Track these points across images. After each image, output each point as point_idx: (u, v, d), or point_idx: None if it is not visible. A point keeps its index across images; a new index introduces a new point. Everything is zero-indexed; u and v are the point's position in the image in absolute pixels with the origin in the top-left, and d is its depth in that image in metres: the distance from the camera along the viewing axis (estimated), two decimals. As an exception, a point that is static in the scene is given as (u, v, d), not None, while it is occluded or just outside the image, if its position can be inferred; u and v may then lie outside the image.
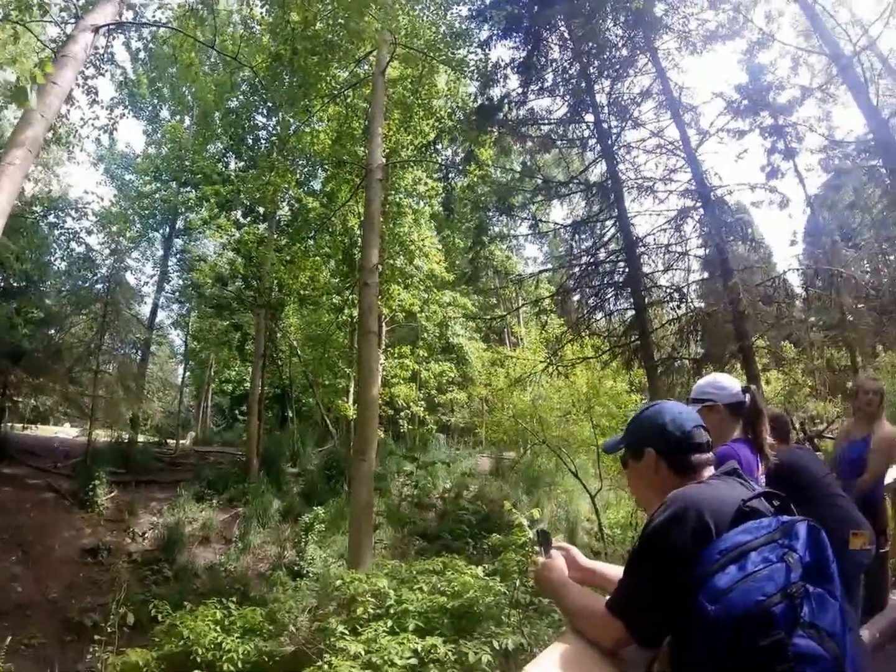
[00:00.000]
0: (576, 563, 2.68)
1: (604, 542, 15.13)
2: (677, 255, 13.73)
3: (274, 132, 22.13)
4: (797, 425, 16.70)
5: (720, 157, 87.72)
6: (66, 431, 28.56)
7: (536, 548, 2.72)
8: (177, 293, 27.20)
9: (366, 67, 16.85)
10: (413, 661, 6.57)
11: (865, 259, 25.41)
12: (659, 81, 14.05)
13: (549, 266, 24.55)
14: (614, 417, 18.85)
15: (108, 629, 8.42)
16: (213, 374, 38.71)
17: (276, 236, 22.55)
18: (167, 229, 25.28)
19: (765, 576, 1.73)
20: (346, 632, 7.29)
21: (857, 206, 27.99)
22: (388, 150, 17.10)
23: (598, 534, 15.89)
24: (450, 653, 6.48)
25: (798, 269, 13.74)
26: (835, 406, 20.01)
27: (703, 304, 14.01)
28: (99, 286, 20.98)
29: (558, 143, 15.60)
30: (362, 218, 15.13)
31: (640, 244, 13.84)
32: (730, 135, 14.50)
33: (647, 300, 13.88)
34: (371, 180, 12.06)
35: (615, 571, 2.54)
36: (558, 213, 48.25)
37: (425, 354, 23.90)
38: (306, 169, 22.70)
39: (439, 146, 17.36)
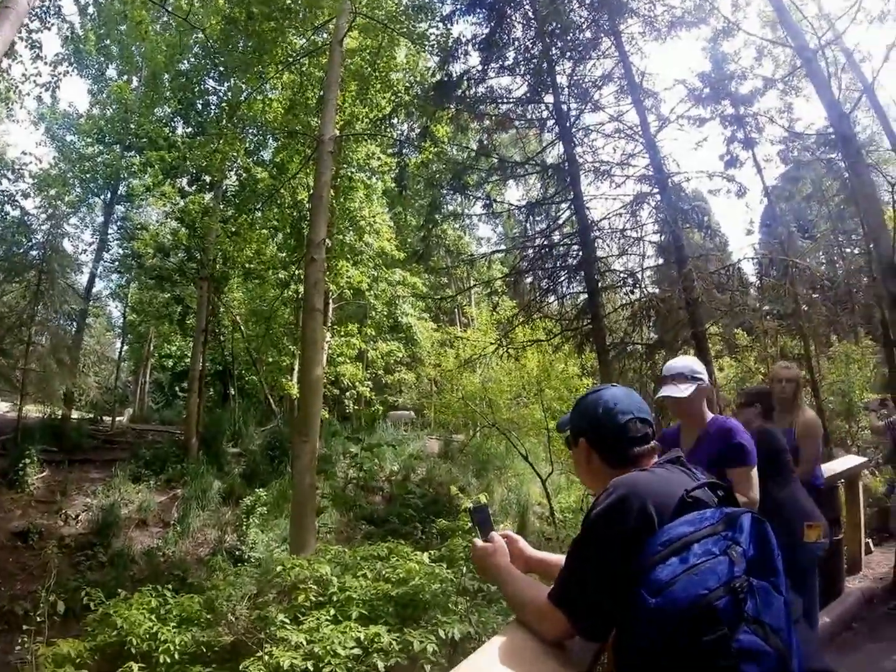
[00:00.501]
0: (522, 554, 2.61)
1: (555, 526, 15.05)
2: (632, 240, 13.69)
3: (224, 98, 21.48)
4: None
5: (679, 145, 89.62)
6: (-4, 407, 27.64)
7: (474, 528, 2.64)
8: (116, 263, 26.27)
9: (324, 35, 16.43)
10: (356, 650, 6.38)
11: (821, 250, 25.71)
12: (621, 65, 13.91)
13: (503, 247, 24.30)
14: (565, 401, 18.84)
15: (38, 619, 7.99)
16: (152, 348, 37.55)
17: (222, 207, 22.03)
18: (108, 195, 24.31)
19: (707, 569, 1.70)
20: (287, 621, 7.07)
21: (814, 197, 28.51)
22: (342, 123, 16.83)
23: (550, 518, 15.78)
24: (394, 642, 6.28)
25: (753, 258, 13.70)
26: None
27: (657, 290, 13.90)
28: (34, 253, 20.09)
29: (516, 123, 15.38)
30: (312, 192, 14.64)
31: (596, 228, 13.71)
32: (690, 122, 14.44)
33: (600, 284, 13.81)
34: (322, 152, 11.63)
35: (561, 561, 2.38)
36: (513, 194, 48.56)
37: (373, 333, 23.69)
38: (256, 138, 22.15)
39: (395, 121, 17.14)
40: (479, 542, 2.51)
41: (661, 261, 14.34)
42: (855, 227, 29.80)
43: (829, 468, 7.26)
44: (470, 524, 7.52)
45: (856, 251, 30.02)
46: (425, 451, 22.37)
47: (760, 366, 19.67)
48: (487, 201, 15.68)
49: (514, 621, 2.28)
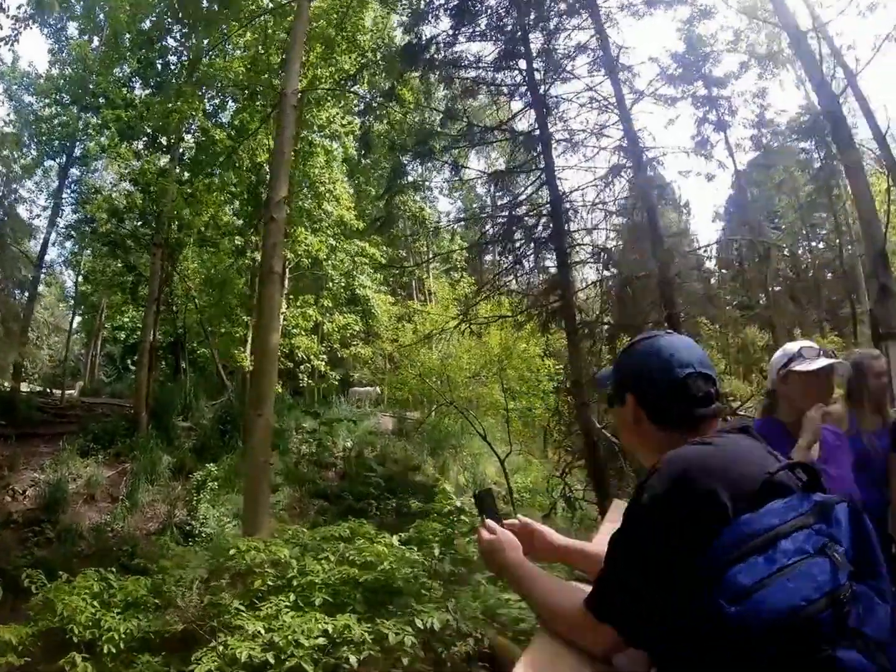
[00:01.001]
0: (548, 544, 2.20)
1: (513, 506, 14.89)
2: (605, 214, 13.40)
3: (185, 58, 20.77)
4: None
5: (652, 121, 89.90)
6: (-57, 381, 26.94)
7: (481, 515, 2.17)
8: (70, 228, 25.55)
9: (291, -7, 15.82)
10: (321, 640, 5.94)
11: (788, 241, 25.68)
12: (596, 38, 13.44)
13: (462, 222, 23.99)
14: (526, 381, 18.77)
15: (-25, 604, 7.56)
16: (104, 320, 36.83)
17: (178, 170, 21.39)
18: (64, 158, 23.67)
19: (803, 572, 1.33)
20: (243, 608, 6.65)
21: (785, 185, 28.49)
22: (305, 82, 16.27)
23: (508, 497, 15.54)
24: (366, 633, 5.84)
25: (735, 240, 13.44)
26: (748, 384, 20.21)
27: (628, 268, 13.55)
28: (-14, 216, 19.41)
29: (486, 88, 14.92)
30: (273, 148, 14.31)
31: (567, 200, 13.31)
32: (662, 101, 14.07)
33: (571, 259, 13.37)
34: (285, 105, 11.06)
35: (597, 549, 2.02)
36: (477, 167, 48.29)
37: (330, 305, 23.20)
38: (216, 101, 21.65)
39: (360, 82, 16.70)
40: (485, 532, 2.06)
41: (634, 237, 14.02)
42: (822, 220, 30.06)
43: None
44: (452, 508, 7.16)
45: (821, 245, 30.21)
46: (379, 427, 22.27)
47: (723, 356, 19.47)
48: (454, 167, 15.27)
49: (543, 631, 1.82)
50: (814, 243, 29.50)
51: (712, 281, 13.39)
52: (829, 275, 26.52)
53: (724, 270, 12.46)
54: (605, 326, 13.24)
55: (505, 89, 14.58)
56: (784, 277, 13.58)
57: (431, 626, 5.96)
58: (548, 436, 13.67)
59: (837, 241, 24.93)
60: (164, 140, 21.75)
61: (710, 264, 12.97)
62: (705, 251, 12.66)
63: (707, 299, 12.69)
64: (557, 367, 19.09)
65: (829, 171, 24.64)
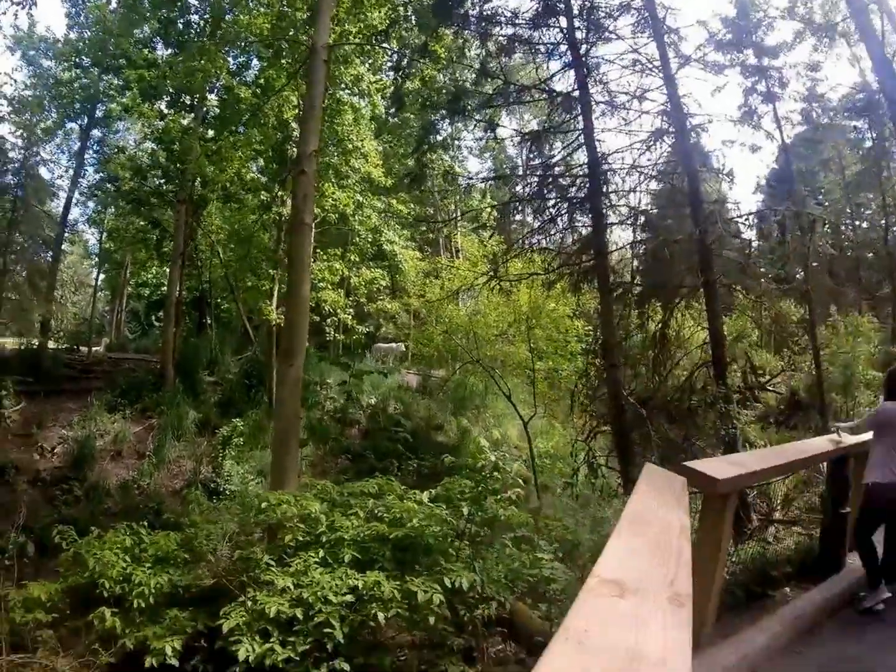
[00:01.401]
0: None
1: (534, 471, 14.64)
2: (643, 177, 13.08)
3: (207, 15, 20.54)
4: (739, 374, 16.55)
5: (697, 88, 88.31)
6: (-28, 341, 26.98)
7: None
8: (93, 188, 25.22)
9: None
10: (349, 597, 5.94)
11: (831, 218, 25.44)
12: (643, -2, 13.06)
13: (496, 180, 23.79)
14: (554, 342, 18.56)
15: (6, 561, 7.54)
16: (128, 276, 36.83)
17: (202, 128, 21.21)
18: (85, 120, 23.41)
19: None
20: (273, 562, 6.61)
21: (832, 163, 28.10)
22: (333, 38, 15.99)
23: (529, 461, 15.36)
24: (395, 591, 5.80)
25: (779, 210, 13.17)
26: (779, 358, 19.94)
27: (665, 231, 13.36)
28: (9, 179, 19.31)
29: (523, 46, 14.58)
30: (302, 103, 14.35)
31: (605, 162, 13.04)
32: (709, 67, 13.76)
33: (607, 220, 13.17)
34: (315, 61, 10.83)
35: None
36: (506, 133, 47.86)
37: (356, 260, 23.02)
38: (240, 59, 21.33)
39: (391, 39, 16.32)
40: None
41: (673, 202, 13.82)
42: (868, 201, 29.74)
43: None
44: (485, 464, 7.10)
45: (864, 225, 29.86)
46: (404, 384, 22.07)
47: (755, 328, 19.19)
48: (490, 126, 15.02)
49: None
50: (857, 222, 29.14)
51: (748, 251, 13.15)
52: (871, 255, 26.25)
53: (761, 241, 12.28)
54: (638, 289, 13.03)
55: (543, 48, 14.24)
56: (824, 253, 13.38)
57: (459, 585, 5.92)
58: (574, 398, 13.53)
59: (883, 221, 24.70)
60: (187, 99, 21.51)
61: (751, 234, 12.75)
62: (746, 220, 12.39)
63: (742, 269, 12.44)
64: (586, 328, 18.93)
65: (881, 152, 24.37)
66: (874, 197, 28.55)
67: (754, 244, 12.63)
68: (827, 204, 28.00)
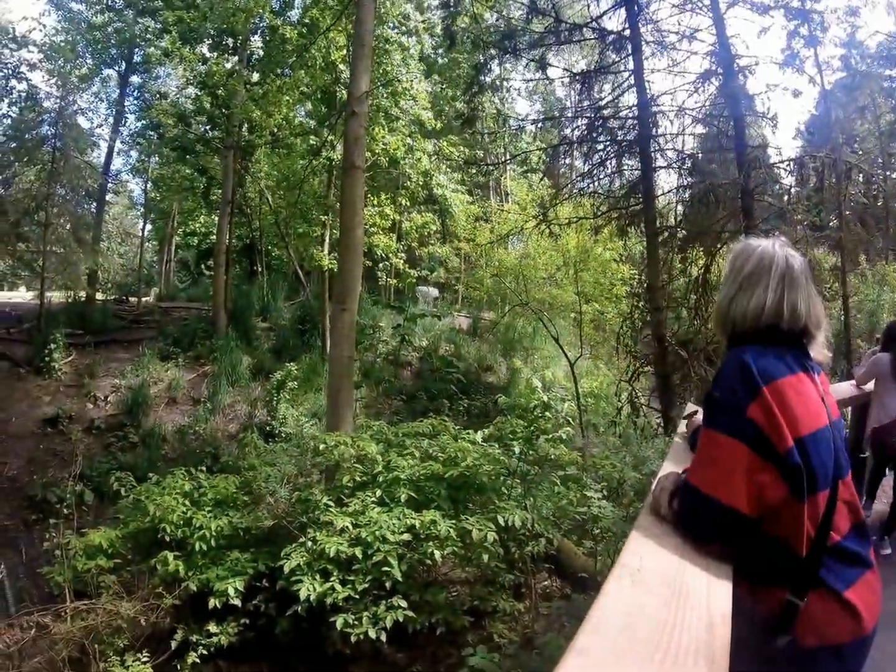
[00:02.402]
0: None
1: (579, 410, 14.71)
2: (692, 120, 12.91)
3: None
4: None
5: (743, 32, 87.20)
6: (22, 296, 27.23)
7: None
8: (135, 136, 25.42)
9: None
10: (407, 536, 6.07)
11: (865, 166, 25.18)
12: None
13: (545, 122, 23.49)
14: (600, 285, 18.61)
15: (66, 510, 7.75)
16: (176, 226, 36.54)
17: (246, 72, 20.96)
18: (122, 65, 23.12)
19: None
20: (331, 503, 6.76)
21: (868, 111, 27.68)
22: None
23: (575, 401, 15.47)
24: (451, 529, 5.93)
25: (817, 156, 12.96)
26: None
27: (710, 175, 13.22)
28: (46, 129, 19.18)
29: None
30: (351, 42, 13.91)
31: (654, 104, 12.89)
32: (756, 8, 13.44)
33: (654, 164, 13.05)
34: None
35: None
36: (558, 71, 47.23)
37: (407, 204, 22.95)
38: (284, -2, 20.90)
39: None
40: None
41: (718, 145, 13.64)
42: None
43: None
44: (538, 403, 7.18)
45: (895, 175, 29.41)
46: (454, 328, 22.08)
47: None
48: (541, 66, 14.84)
49: None
50: (888, 172, 28.68)
51: (786, 198, 12.98)
52: None
53: (799, 188, 12.09)
54: (682, 233, 12.97)
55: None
56: (857, 202, 13.26)
57: (512, 523, 6.03)
58: (619, 340, 13.60)
59: None
60: (230, 41, 21.32)
61: (790, 180, 12.55)
62: (787, 166, 12.24)
63: (781, 214, 12.35)
64: (632, 272, 18.92)
65: None
66: None
67: (793, 190, 12.44)
68: (861, 152, 27.58)
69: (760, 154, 12.42)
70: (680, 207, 13.48)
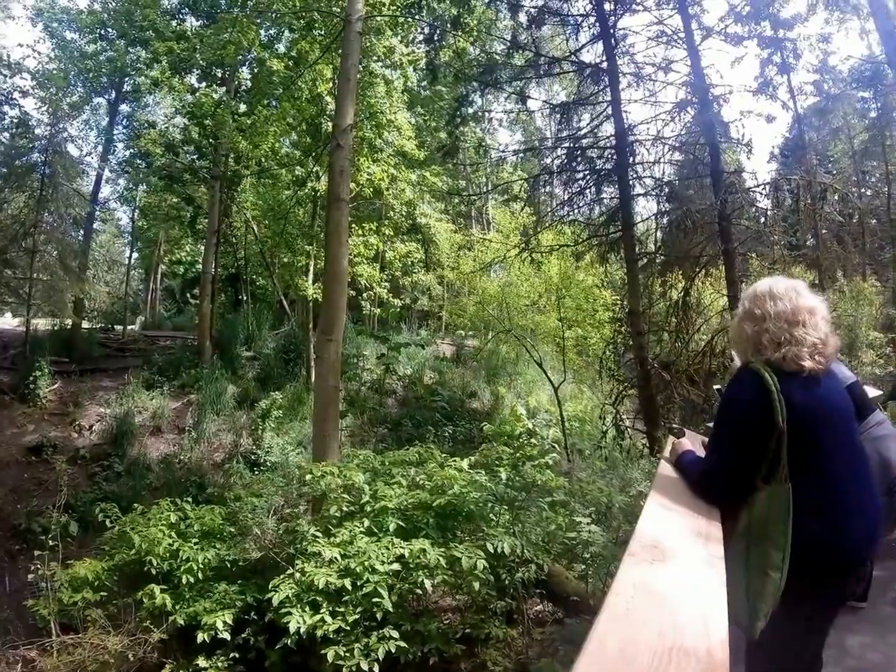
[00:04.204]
0: None
1: (564, 434, 15.09)
2: (668, 148, 13.27)
3: (237, -16, 20.27)
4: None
5: (718, 59, 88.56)
6: (6, 322, 27.07)
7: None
8: (123, 164, 25.25)
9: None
10: (396, 566, 6.10)
11: (840, 186, 25.79)
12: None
13: (526, 152, 23.78)
14: (583, 311, 18.83)
15: (50, 541, 7.69)
16: (162, 254, 36.73)
17: (234, 102, 21.01)
18: (113, 94, 23.22)
19: None
20: (319, 533, 6.79)
21: (842, 132, 28.39)
22: (367, 9, 15.91)
23: (559, 424, 15.66)
24: (440, 558, 5.96)
25: (793, 178, 13.25)
26: None
27: (687, 202, 13.48)
28: (36, 156, 19.24)
29: (553, 18, 14.61)
30: (336, 76, 14.11)
31: (631, 133, 13.17)
32: (730, 39, 13.76)
33: (633, 191, 13.34)
34: (350, 32, 10.79)
35: None
36: (535, 105, 47.69)
37: (390, 234, 23.09)
38: (272, 31, 21.12)
39: (423, 10, 16.33)
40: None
41: (694, 172, 13.90)
42: (873, 169, 30.09)
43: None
44: (522, 431, 7.25)
45: (869, 193, 30.09)
46: (438, 355, 22.39)
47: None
48: (520, 98, 15.10)
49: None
50: (863, 190, 29.32)
51: (762, 220, 13.30)
52: (874, 221, 26.57)
53: (776, 210, 12.40)
54: (661, 258, 13.21)
55: (571, 19, 14.24)
56: (833, 221, 13.60)
57: (501, 550, 6.06)
58: (602, 364, 13.82)
59: (886, 189, 25.02)
60: (219, 72, 21.43)
61: (766, 203, 12.87)
62: (763, 189, 12.54)
63: (758, 236, 12.63)
64: (613, 297, 19.18)
65: (885, 121, 24.68)
66: (878, 165, 28.98)
67: (769, 213, 12.73)
68: (836, 172, 28.22)
69: (736, 179, 12.69)
70: (659, 233, 13.83)
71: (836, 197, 13.41)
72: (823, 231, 14.59)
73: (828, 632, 3.01)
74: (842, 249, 14.61)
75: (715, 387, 5.32)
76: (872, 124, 26.56)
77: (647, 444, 11.73)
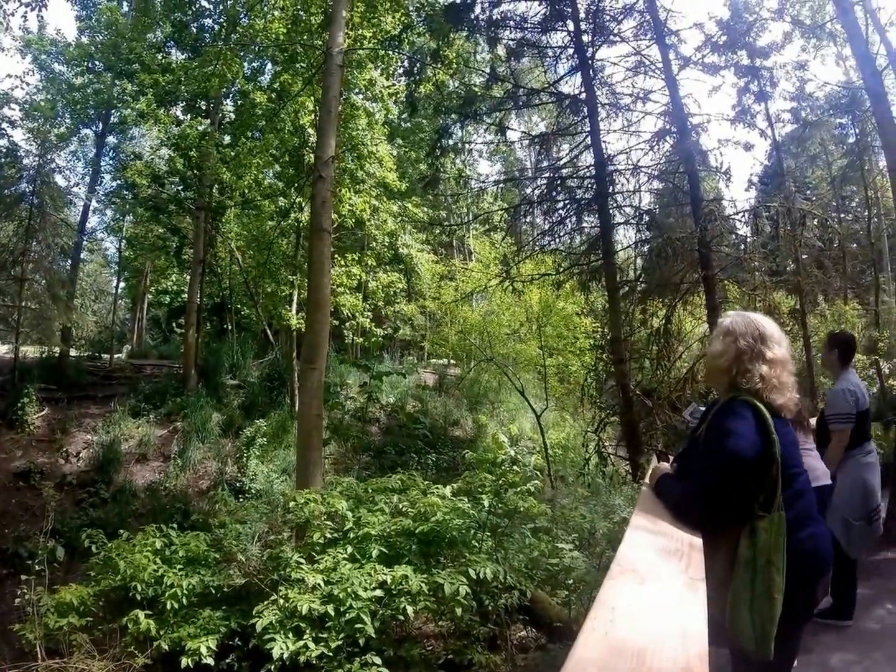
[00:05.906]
0: None
1: (547, 461, 15.13)
2: (648, 177, 13.50)
3: (221, 19, 20.55)
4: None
5: (696, 89, 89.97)
6: (-5, 349, 27.09)
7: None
8: (110, 195, 25.40)
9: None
10: (379, 592, 6.16)
11: (819, 212, 26.20)
12: (644, 1, 13.27)
13: (506, 183, 23.99)
14: (564, 339, 19.00)
15: (36, 566, 7.72)
16: (148, 284, 36.80)
17: (218, 134, 21.09)
18: (100, 126, 23.42)
19: None
20: (302, 560, 6.83)
21: (819, 159, 28.85)
22: (347, 43, 16.12)
23: (542, 452, 15.73)
24: (423, 584, 6.04)
25: (772, 205, 13.44)
26: None
27: (667, 230, 13.66)
28: (24, 186, 19.32)
29: (532, 50, 14.81)
30: (318, 108, 14.25)
31: (611, 163, 13.34)
32: (707, 69, 13.99)
33: (613, 220, 13.50)
34: (331, 65, 10.93)
35: None
36: (515, 135, 47.99)
37: (373, 264, 23.28)
38: (255, 63, 21.41)
39: (403, 44, 16.51)
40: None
41: (674, 200, 14.11)
42: (852, 194, 30.61)
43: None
44: (504, 458, 7.35)
45: (849, 217, 30.53)
46: (420, 384, 22.37)
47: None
48: (499, 128, 15.24)
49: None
50: (843, 215, 29.71)
51: (742, 247, 13.47)
52: (854, 245, 26.92)
53: (755, 237, 12.55)
54: (642, 286, 13.36)
55: (550, 52, 14.40)
56: (813, 246, 13.82)
57: (484, 576, 6.14)
58: (584, 392, 13.91)
59: (866, 213, 25.37)
60: (203, 104, 21.63)
61: (745, 230, 13.03)
62: (742, 216, 12.71)
63: (739, 263, 12.78)
64: (594, 325, 19.34)
65: (864, 147, 25.05)
66: (857, 190, 29.70)
67: (749, 240, 12.89)
68: (815, 198, 28.53)
69: (715, 207, 12.84)
70: (639, 261, 14.03)
71: (815, 222, 13.58)
72: (804, 256, 14.79)
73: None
74: (822, 274, 14.80)
75: (691, 405, 5.45)
76: (850, 150, 26.87)
77: (630, 471, 11.77)
